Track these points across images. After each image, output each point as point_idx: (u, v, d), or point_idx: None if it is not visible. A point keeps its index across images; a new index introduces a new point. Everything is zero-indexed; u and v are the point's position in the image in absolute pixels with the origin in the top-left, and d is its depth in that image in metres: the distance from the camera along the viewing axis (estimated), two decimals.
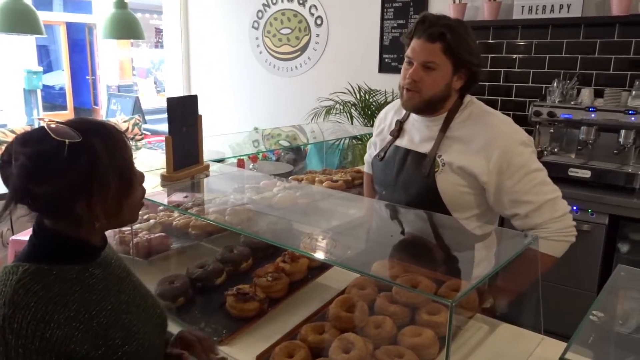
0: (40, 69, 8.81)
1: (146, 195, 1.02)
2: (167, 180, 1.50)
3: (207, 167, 1.67)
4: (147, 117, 6.40)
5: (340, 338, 1.11)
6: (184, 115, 1.53)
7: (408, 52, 1.48)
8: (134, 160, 0.98)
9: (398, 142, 1.64)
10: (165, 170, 1.50)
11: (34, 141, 0.85)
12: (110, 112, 6.43)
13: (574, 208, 2.62)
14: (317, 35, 4.37)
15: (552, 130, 2.99)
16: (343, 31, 4.24)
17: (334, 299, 1.38)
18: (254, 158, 3.05)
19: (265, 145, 3.38)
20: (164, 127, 7.77)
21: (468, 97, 1.56)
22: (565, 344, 1.22)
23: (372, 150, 1.86)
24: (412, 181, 1.54)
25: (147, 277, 1.53)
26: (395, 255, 1.43)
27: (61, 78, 10.57)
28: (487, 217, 1.56)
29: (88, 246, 0.95)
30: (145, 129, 5.90)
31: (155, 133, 6.44)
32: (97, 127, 0.91)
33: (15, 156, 0.84)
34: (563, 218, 1.42)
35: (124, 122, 5.36)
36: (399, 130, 1.65)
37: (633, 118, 2.64)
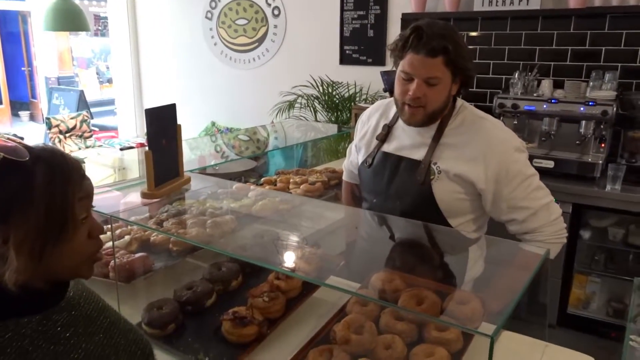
0: None
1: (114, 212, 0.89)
2: (149, 198, 1.40)
3: (189, 180, 1.57)
4: (91, 110, 6.08)
5: None
6: (163, 126, 1.43)
7: (406, 67, 1.41)
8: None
9: (386, 148, 1.60)
10: (145, 186, 1.40)
11: None
12: (53, 107, 6.04)
13: None
14: (275, 27, 4.26)
15: (515, 122, 3.05)
16: (302, 22, 4.15)
17: (334, 317, 1.34)
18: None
19: (224, 141, 3.29)
20: (112, 120, 7.45)
21: (460, 102, 1.54)
22: (570, 350, 1.24)
23: (353, 157, 1.81)
24: (406, 189, 1.51)
25: (132, 302, 1.44)
26: (390, 265, 1.41)
27: None
28: (480, 221, 1.57)
29: (41, 291, 0.82)
30: (93, 125, 5.60)
31: (103, 128, 6.14)
32: (53, 156, 0.81)
33: None
34: (557, 221, 1.45)
35: (71, 119, 5.06)
36: (386, 134, 1.61)
37: (589, 109, 2.73)
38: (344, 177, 1.96)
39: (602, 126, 2.79)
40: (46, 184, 0.78)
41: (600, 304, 2.92)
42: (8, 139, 0.79)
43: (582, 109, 2.75)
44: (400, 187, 1.53)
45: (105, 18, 7.80)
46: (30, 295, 0.80)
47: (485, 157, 1.43)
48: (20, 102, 10.14)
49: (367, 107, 1.83)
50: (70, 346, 0.82)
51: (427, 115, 1.45)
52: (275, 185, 2.33)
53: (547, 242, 1.43)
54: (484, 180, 1.43)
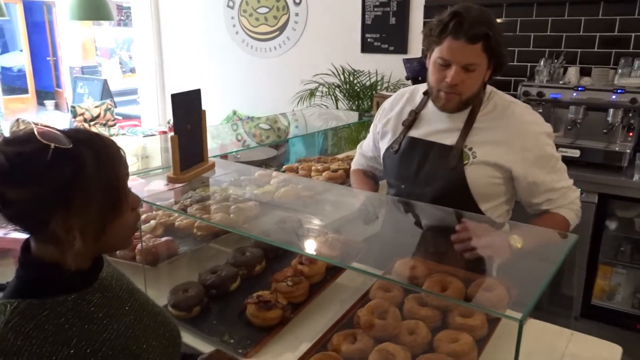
0: None
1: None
2: (174, 182, 1.42)
3: (213, 165, 1.59)
4: (114, 99, 6.16)
5: (379, 349, 1.07)
6: (188, 111, 1.44)
7: (444, 53, 1.39)
8: None
9: (413, 133, 1.59)
10: (170, 172, 1.42)
11: (17, 142, 0.77)
12: (78, 96, 6.14)
13: None
14: (296, 15, 4.25)
15: (540, 110, 2.99)
16: (323, 10, 4.13)
17: (357, 303, 1.35)
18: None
19: (245, 129, 3.30)
20: (134, 109, 7.54)
21: (489, 88, 1.54)
22: (597, 339, 1.23)
23: (366, 147, 1.81)
24: (436, 174, 1.52)
25: (157, 284, 1.47)
26: (413, 252, 1.40)
27: (19, 59, 10.05)
28: (508, 205, 1.59)
29: (80, 271, 0.84)
30: (116, 114, 5.68)
31: (126, 117, 6.22)
32: (91, 138, 0.82)
33: None
34: (577, 191, 1.55)
35: (95, 107, 5.14)
36: (413, 120, 1.61)
37: (617, 97, 2.66)
38: (356, 165, 1.92)
39: (630, 114, 2.73)
40: (97, 167, 0.79)
41: (626, 296, 2.87)
42: (44, 126, 0.80)
43: (613, 97, 2.68)
44: (430, 173, 1.53)
45: (128, 8, 7.87)
46: (68, 275, 0.82)
47: (520, 141, 1.45)
48: (46, 92, 10.31)
49: (389, 96, 1.82)
50: (103, 326, 0.85)
51: (462, 102, 1.46)
52: (297, 172, 2.34)
53: (575, 209, 1.52)
54: (520, 165, 1.45)
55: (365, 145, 1.88)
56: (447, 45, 1.38)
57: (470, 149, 1.48)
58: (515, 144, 1.45)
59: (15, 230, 0.82)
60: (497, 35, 1.39)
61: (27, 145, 0.76)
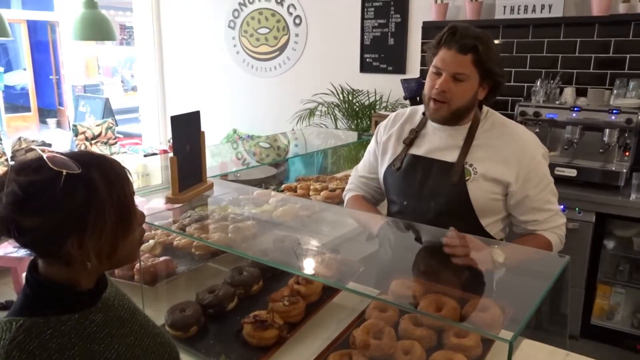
0: (1, 69, 8.42)
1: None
2: (173, 202, 1.44)
3: (212, 185, 1.61)
4: (116, 117, 6.21)
5: None
6: (187, 132, 1.46)
7: (436, 62, 1.47)
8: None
9: (414, 151, 1.63)
10: (170, 191, 1.44)
11: (29, 170, 0.78)
12: (79, 114, 6.19)
13: (562, 207, 2.66)
14: (296, 35, 4.31)
15: (537, 130, 3.02)
16: (323, 31, 4.19)
17: (353, 322, 1.35)
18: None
19: (245, 148, 3.33)
20: (136, 128, 7.59)
21: (486, 108, 1.59)
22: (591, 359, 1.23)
23: (362, 167, 1.82)
24: (440, 190, 1.54)
25: (156, 304, 1.48)
26: (409, 272, 1.42)
27: (23, 78, 10.15)
28: (507, 220, 1.62)
29: (85, 291, 0.86)
30: (117, 132, 5.72)
31: (127, 135, 6.26)
32: (98, 161, 0.84)
33: (7, 184, 0.77)
34: (564, 218, 1.57)
35: (97, 126, 5.18)
36: (414, 138, 1.64)
37: (613, 117, 2.71)
38: (352, 192, 1.86)
39: (626, 134, 2.76)
40: (108, 187, 0.81)
41: (625, 315, 2.86)
42: (51, 152, 0.82)
43: (609, 117, 2.72)
44: (434, 188, 1.56)
45: (131, 27, 7.99)
46: (74, 294, 0.84)
47: (518, 159, 1.49)
48: (48, 110, 10.38)
49: (387, 115, 1.84)
50: (105, 346, 0.86)
51: (450, 112, 1.49)
52: (296, 191, 2.36)
53: (559, 235, 1.54)
54: (515, 181, 1.49)
55: (365, 167, 1.82)
56: (440, 55, 1.47)
57: (471, 165, 1.52)
58: (513, 161, 1.49)
59: (28, 254, 0.84)
60: (490, 52, 1.44)
61: (39, 173, 0.78)
